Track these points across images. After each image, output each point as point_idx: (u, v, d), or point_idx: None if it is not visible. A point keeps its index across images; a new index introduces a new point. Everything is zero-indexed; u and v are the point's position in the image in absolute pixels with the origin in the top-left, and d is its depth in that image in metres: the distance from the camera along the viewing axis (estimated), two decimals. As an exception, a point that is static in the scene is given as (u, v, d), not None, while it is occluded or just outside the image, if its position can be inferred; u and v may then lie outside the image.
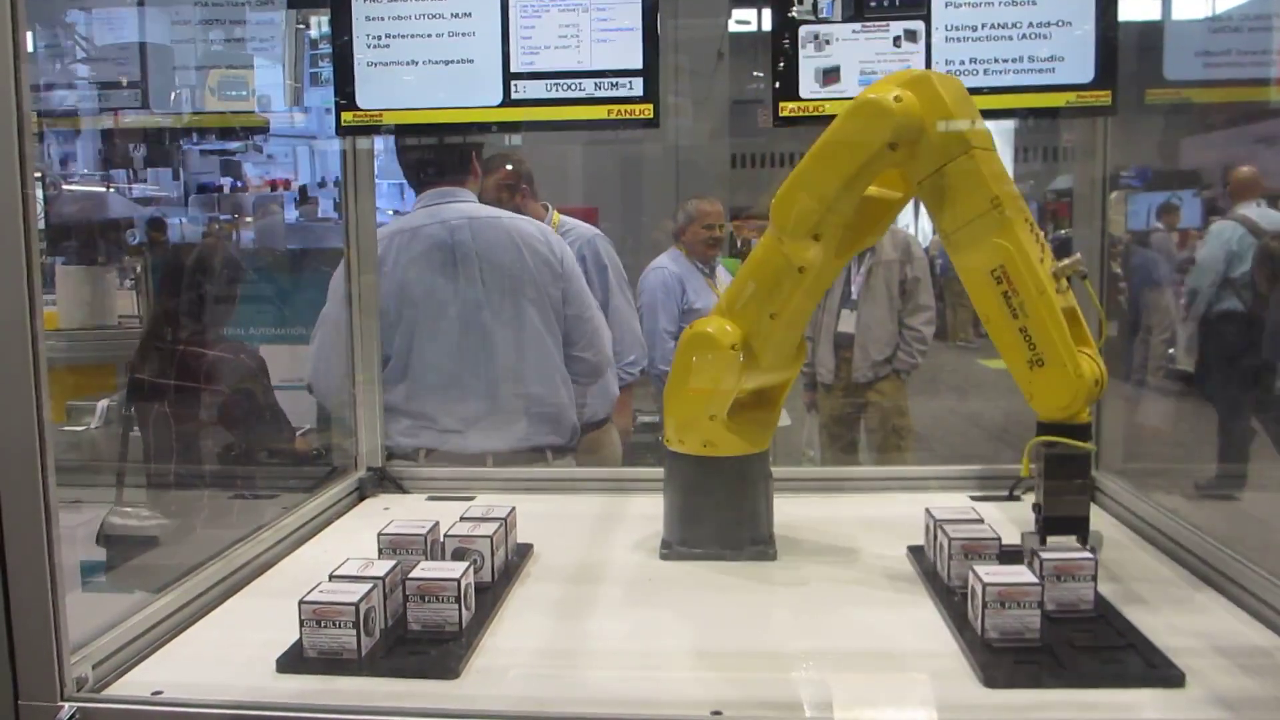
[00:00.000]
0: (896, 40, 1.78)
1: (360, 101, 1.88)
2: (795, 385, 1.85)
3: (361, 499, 2.01)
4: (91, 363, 3.57)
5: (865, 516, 1.79)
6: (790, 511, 1.70)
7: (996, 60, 1.78)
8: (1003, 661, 1.15)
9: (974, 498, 1.86)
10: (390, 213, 8.57)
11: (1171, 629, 1.25)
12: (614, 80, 1.81)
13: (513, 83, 1.84)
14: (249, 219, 6.71)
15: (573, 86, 1.82)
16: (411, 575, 1.26)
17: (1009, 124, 3.05)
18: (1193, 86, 1.95)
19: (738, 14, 9.68)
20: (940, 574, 1.43)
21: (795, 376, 1.68)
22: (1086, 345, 1.37)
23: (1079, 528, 1.42)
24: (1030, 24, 1.77)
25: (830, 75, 1.80)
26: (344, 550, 1.40)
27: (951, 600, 1.34)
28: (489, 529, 1.46)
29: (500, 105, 1.85)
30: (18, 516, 1.06)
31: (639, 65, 1.81)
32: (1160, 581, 1.47)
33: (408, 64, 1.86)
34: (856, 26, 1.79)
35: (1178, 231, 7.28)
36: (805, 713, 1.15)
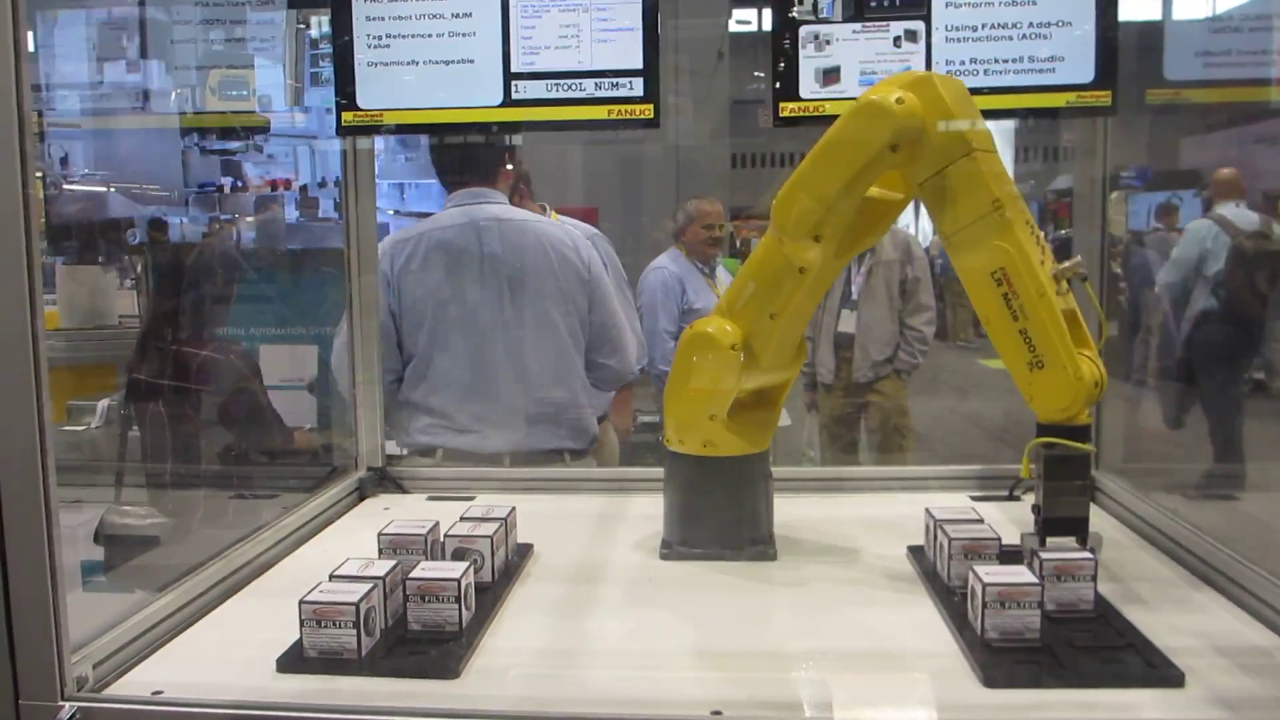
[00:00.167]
0: (897, 40, 1.79)
1: (361, 101, 1.88)
2: (795, 385, 1.85)
3: (361, 499, 2.01)
4: (92, 362, 3.57)
5: (865, 516, 1.79)
6: (790, 511, 1.70)
7: (996, 60, 1.78)
8: (1003, 661, 1.15)
9: (974, 498, 1.87)
10: (390, 213, 8.58)
11: (1171, 629, 1.25)
12: (614, 80, 1.82)
13: (513, 83, 1.84)
14: (249, 219, 6.72)
15: (573, 86, 1.82)
16: (412, 575, 1.26)
17: (1009, 124, 3.05)
18: (1193, 86, 1.95)
19: (738, 14, 9.68)
20: (940, 574, 1.43)
21: (795, 376, 1.68)
22: (1086, 347, 1.37)
23: (1078, 529, 1.42)
24: (1030, 24, 1.77)
25: (830, 75, 1.80)
26: (344, 550, 1.40)
27: (951, 600, 1.34)
28: (489, 529, 1.46)
29: (500, 105, 1.85)
30: (18, 516, 1.06)
31: (639, 65, 1.81)
32: (1160, 581, 1.47)
33: (408, 64, 1.86)
34: (857, 27, 1.79)
35: (1178, 231, 7.28)
36: (805, 713, 1.15)
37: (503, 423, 2.43)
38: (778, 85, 1.81)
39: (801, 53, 1.80)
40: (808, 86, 1.80)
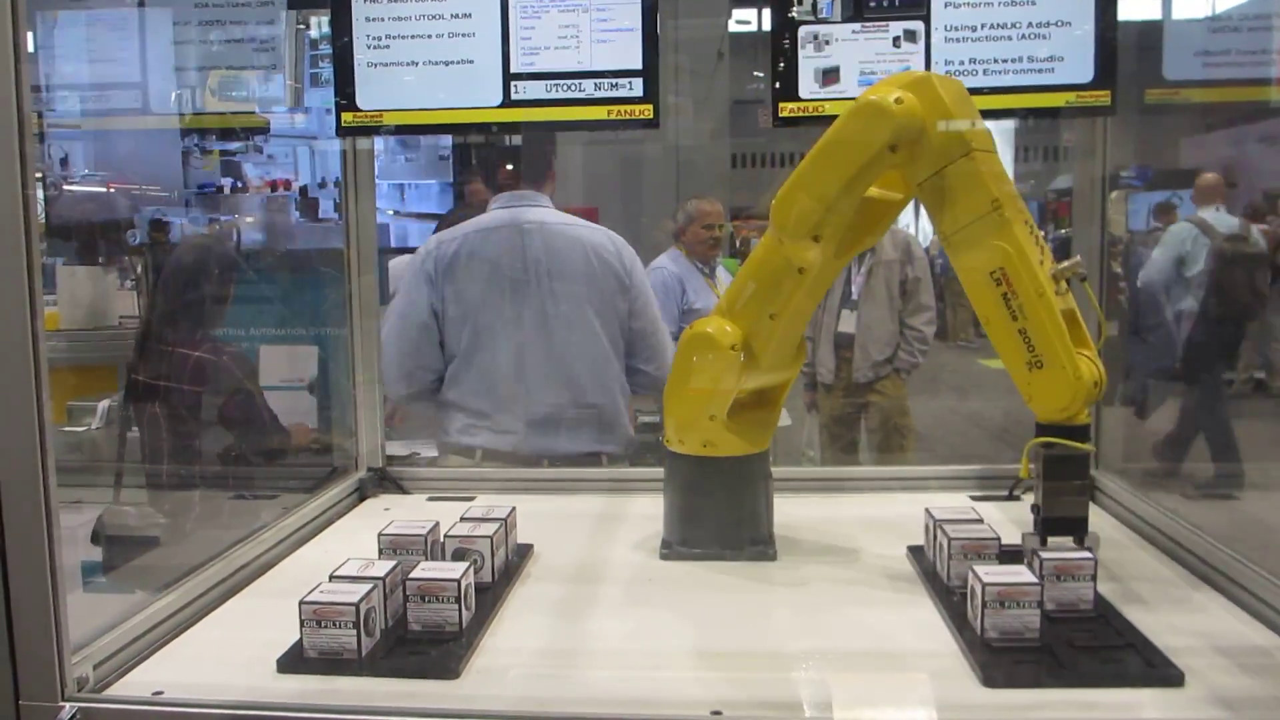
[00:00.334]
0: (896, 40, 1.79)
1: (360, 102, 1.88)
2: (795, 385, 1.85)
3: (362, 499, 2.01)
4: (92, 363, 3.56)
5: (865, 516, 1.80)
6: (790, 511, 1.70)
7: (996, 60, 1.78)
8: (1002, 661, 1.16)
9: (974, 498, 1.87)
10: (390, 213, 8.57)
11: (1171, 629, 1.26)
12: (614, 81, 1.82)
13: (513, 83, 1.84)
14: (249, 219, 6.72)
15: (573, 87, 1.83)
16: (412, 575, 1.27)
17: (1009, 124, 3.05)
18: (1192, 86, 1.95)
19: (738, 14, 9.67)
20: (940, 574, 1.43)
21: (795, 376, 1.68)
22: (1085, 347, 1.38)
23: (1078, 528, 1.42)
24: (1030, 24, 1.77)
25: (830, 75, 1.80)
26: (344, 550, 1.40)
27: (951, 600, 1.34)
28: (489, 529, 1.46)
29: (500, 106, 1.85)
30: (18, 516, 1.06)
31: (639, 66, 1.81)
32: (1160, 581, 1.47)
33: (408, 64, 1.86)
34: (856, 27, 1.79)
35: (1176, 231, 7.30)
36: (805, 713, 1.16)
37: (541, 425, 2.43)
38: (777, 85, 1.81)
39: (801, 53, 1.80)
40: (807, 87, 1.80)
